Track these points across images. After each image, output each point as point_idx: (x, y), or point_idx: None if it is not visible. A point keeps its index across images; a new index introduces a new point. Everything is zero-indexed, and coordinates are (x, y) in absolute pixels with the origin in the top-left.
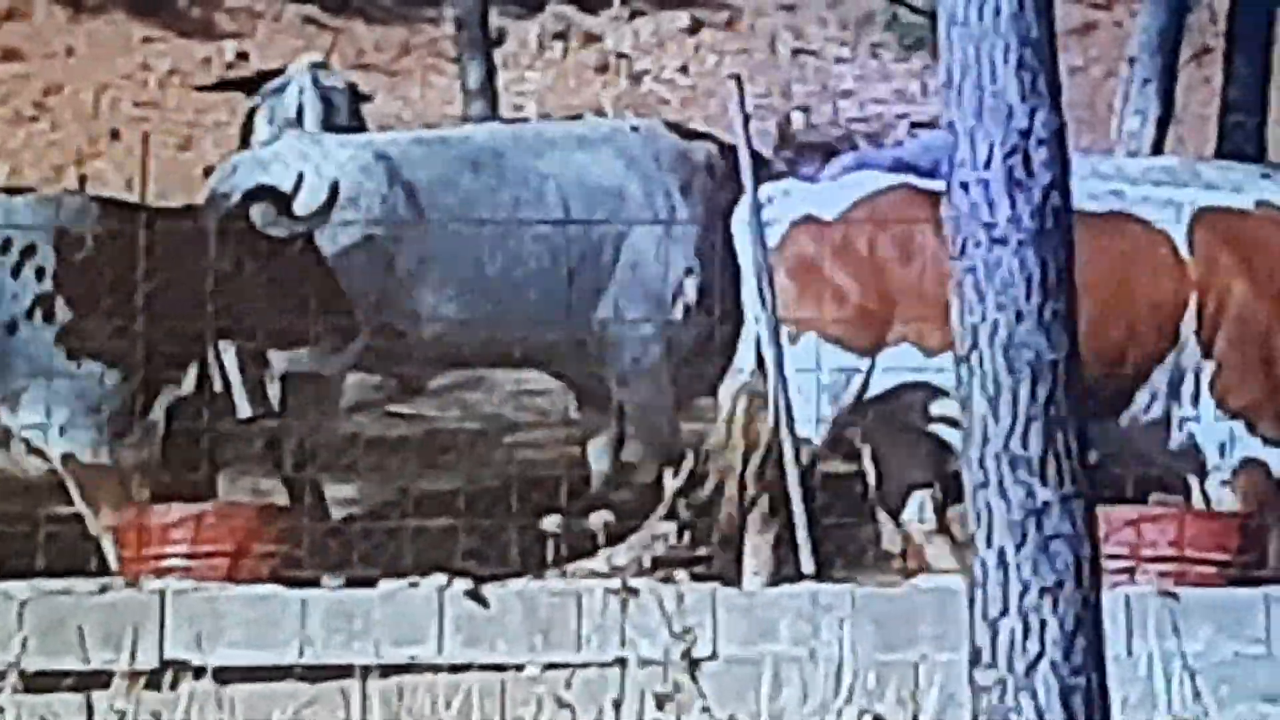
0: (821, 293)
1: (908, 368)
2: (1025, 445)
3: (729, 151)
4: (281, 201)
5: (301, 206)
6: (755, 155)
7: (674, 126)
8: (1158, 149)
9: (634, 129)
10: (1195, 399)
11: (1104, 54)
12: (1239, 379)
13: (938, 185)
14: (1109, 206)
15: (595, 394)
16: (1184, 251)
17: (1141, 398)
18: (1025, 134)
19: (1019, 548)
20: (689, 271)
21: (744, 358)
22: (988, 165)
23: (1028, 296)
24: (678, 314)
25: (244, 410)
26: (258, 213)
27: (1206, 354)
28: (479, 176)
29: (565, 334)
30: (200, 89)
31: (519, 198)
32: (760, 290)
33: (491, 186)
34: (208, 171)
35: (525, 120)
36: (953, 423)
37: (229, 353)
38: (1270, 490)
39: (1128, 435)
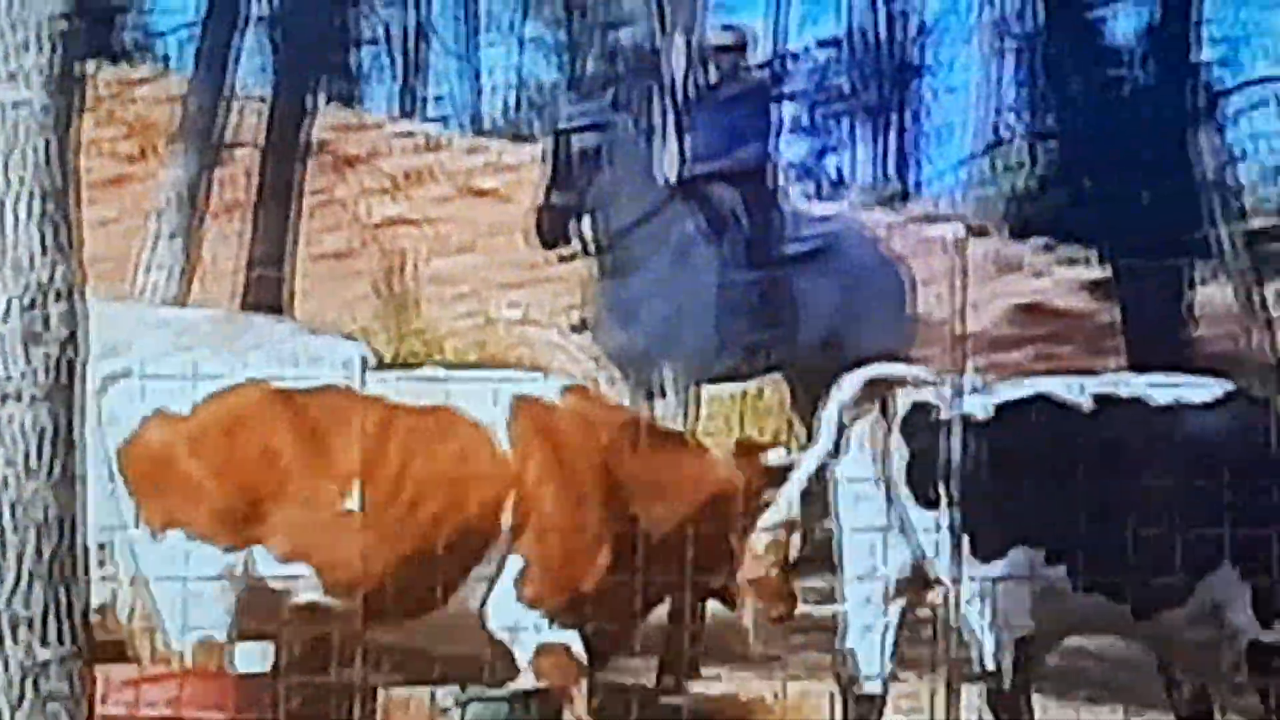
0: (180, 490)
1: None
2: (27, 604)
3: None
4: None
5: None
6: None
7: None
8: (181, 301)
9: None
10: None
11: (133, 206)
12: (541, 575)
13: (292, 383)
14: (431, 401)
15: None
16: (504, 446)
17: (464, 591)
18: (43, 288)
19: (15, 709)
20: None
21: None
22: (4, 319)
23: (39, 453)
24: None
25: None
26: None
27: (515, 548)
28: None
29: None
30: None
31: None
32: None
33: None
34: None
35: None
36: None
37: None
38: (573, 669)
39: (449, 625)
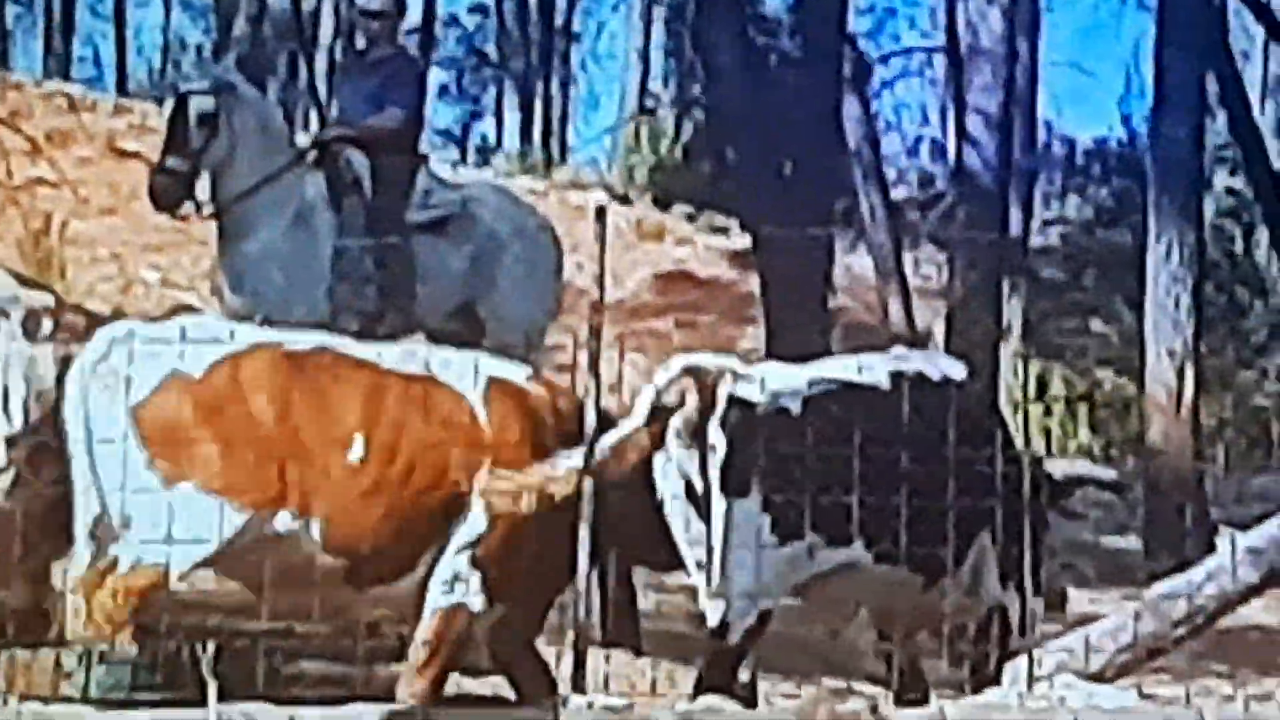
0: (194, 450)
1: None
2: None
3: None
4: None
5: None
6: None
7: None
8: None
9: None
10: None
11: None
12: (501, 542)
13: (300, 344)
14: (415, 369)
15: None
16: (482, 418)
17: (426, 559)
18: None
19: None
20: None
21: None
22: None
23: None
24: None
25: None
26: None
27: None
28: None
29: None
30: None
31: None
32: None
33: None
34: None
35: None
36: None
37: None
38: (468, 633)
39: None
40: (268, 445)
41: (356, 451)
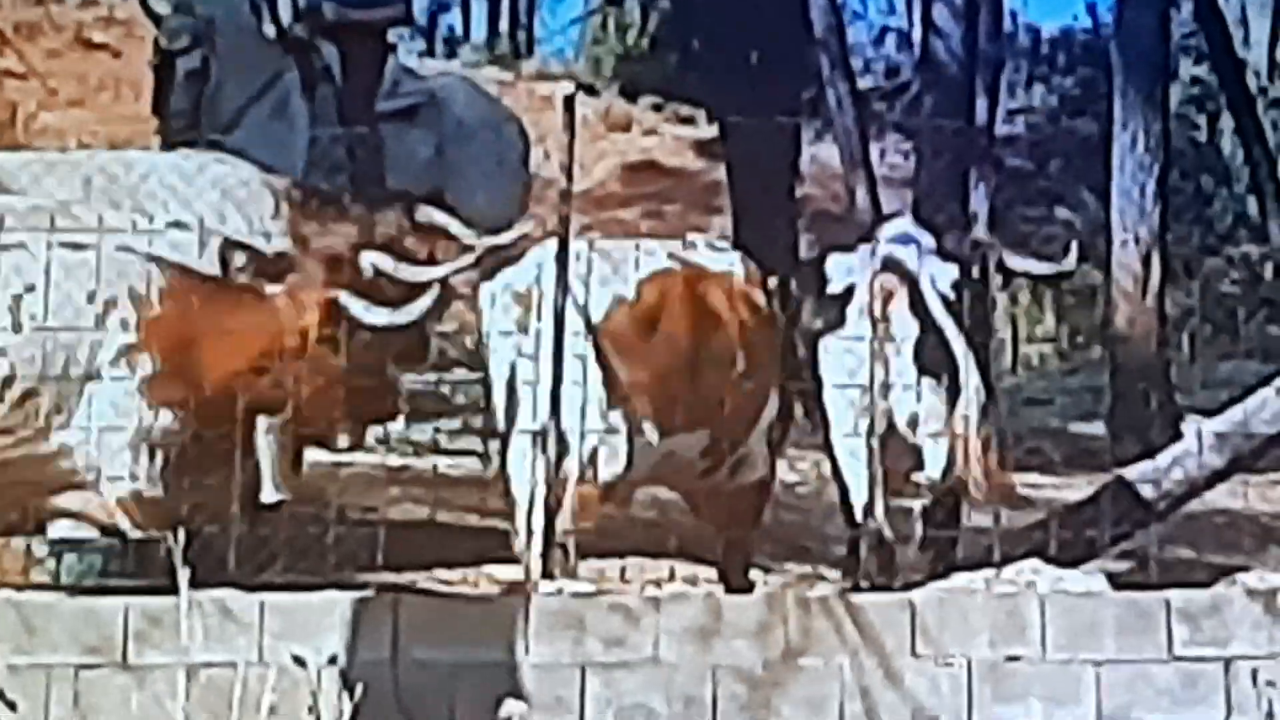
0: (631, 374)
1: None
2: None
3: None
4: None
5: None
6: None
7: None
8: None
9: None
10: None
11: None
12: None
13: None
14: (723, 265)
15: None
16: (757, 297)
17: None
18: None
19: None
20: None
21: None
22: None
23: None
24: None
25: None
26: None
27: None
28: None
29: None
30: None
31: None
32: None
33: None
34: None
35: None
36: None
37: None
38: None
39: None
40: (680, 367)
41: (740, 364)
